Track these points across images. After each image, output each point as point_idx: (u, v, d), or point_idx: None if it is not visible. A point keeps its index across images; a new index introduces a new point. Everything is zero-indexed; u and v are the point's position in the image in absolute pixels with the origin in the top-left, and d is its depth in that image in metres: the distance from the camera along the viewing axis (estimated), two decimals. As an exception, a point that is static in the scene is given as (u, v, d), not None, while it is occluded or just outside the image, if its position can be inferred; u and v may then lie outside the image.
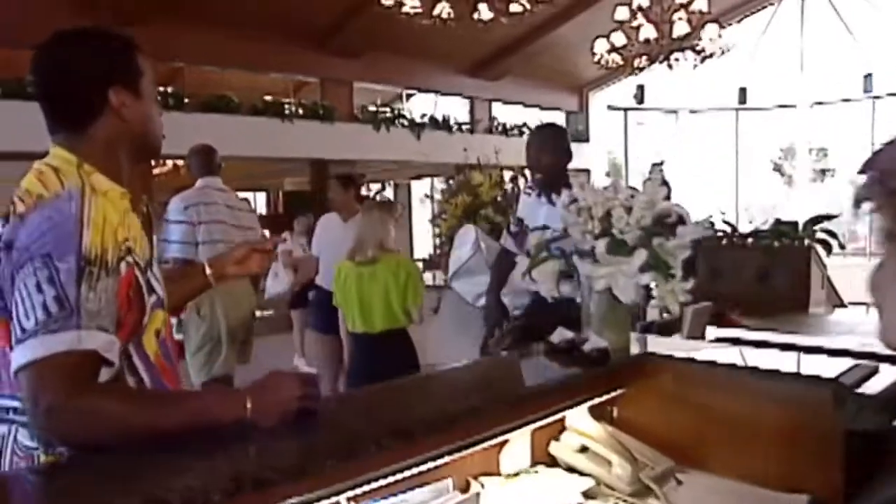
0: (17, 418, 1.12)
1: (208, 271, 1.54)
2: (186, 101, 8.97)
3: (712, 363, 1.70)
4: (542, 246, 1.77)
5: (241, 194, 15.35)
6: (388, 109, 11.58)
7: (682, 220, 1.65)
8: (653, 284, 1.54)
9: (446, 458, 1.20)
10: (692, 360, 1.71)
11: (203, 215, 3.53)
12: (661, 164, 1.54)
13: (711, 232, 4.50)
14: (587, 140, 14.77)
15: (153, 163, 9.26)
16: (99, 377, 1.08)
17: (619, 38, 7.70)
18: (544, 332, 2.19)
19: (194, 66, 9.87)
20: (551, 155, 2.59)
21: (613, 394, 1.62)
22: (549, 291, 1.82)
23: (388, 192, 14.54)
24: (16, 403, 1.12)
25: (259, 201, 17.02)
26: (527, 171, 6.14)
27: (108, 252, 1.10)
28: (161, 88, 9.04)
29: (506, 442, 1.47)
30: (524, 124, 13.52)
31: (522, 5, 6.52)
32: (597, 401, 1.58)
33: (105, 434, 1.02)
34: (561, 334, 1.71)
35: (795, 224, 4.68)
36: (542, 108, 14.15)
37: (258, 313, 4.63)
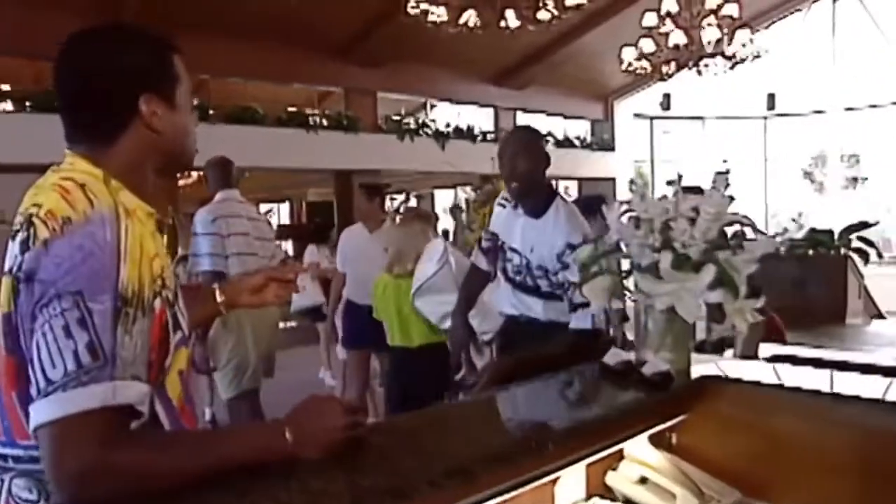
0: (14, 466, 1.00)
1: (219, 298, 1.40)
2: (211, 112, 8.98)
3: (780, 386, 1.57)
4: (594, 259, 1.66)
5: (265, 205, 15.48)
6: (412, 119, 11.50)
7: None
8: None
9: (503, 497, 1.09)
10: (758, 383, 1.59)
11: (231, 227, 3.52)
12: (727, 172, 1.43)
13: (788, 244, 4.26)
14: (612, 149, 14.60)
15: (177, 174, 9.29)
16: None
17: (647, 45, 7.57)
18: (526, 370, 2.01)
19: (219, 78, 9.90)
20: (528, 160, 2.29)
21: (674, 420, 1.51)
22: (600, 309, 1.72)
23: (412, 203, 14.48)
24: (16, 451, 1.00)
25: (282, 211, 17.12)
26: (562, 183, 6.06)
27: (146, 289, 0.97)
28: (189, 101, 9.09)
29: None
30: (549, 133, 13.40)
31: (550, 12, 6.42)
32: (658, 428, 1.46)
33: (140, 489, 0.91)
34: (616, 355, 1.59)
35: (831, 232, 4.51)
36: (567, 117, 14.03)
37: (283, 325, 4.56)
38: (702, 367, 1.68)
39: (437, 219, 7.31)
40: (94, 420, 0.89)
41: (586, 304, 2.09)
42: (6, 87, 8.35)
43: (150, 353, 1.00)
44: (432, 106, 12.97)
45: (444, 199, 15.24)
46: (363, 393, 4.55)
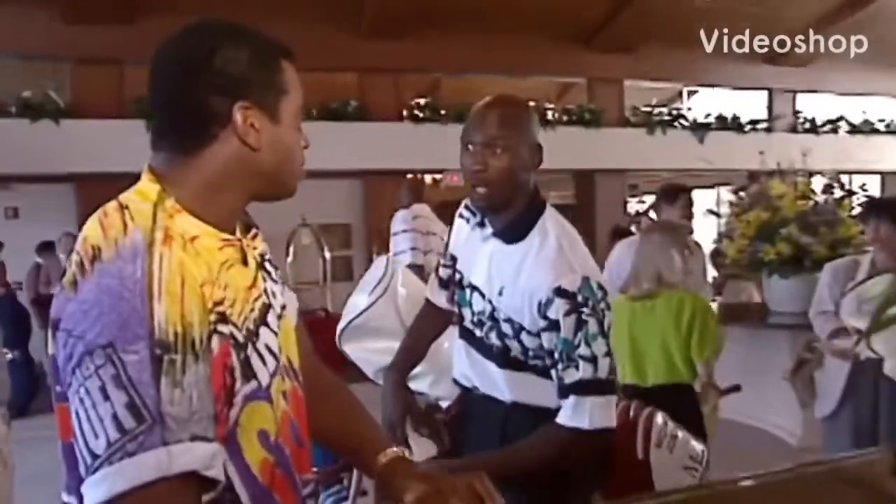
0: None
1: (381, 462, 1.16)
2: (443, 112, 9.22)
3: None
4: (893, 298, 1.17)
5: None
6: (664, 110, 10.84)
7: None
8: None
9: None
10: None
11: (429, 227, 3.87)
12: None
13: None
14: (933, 137, 12.36)
15: (409, 177, 9.75)
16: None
17: None
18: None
19: (452, 76, 10.18)
20: (511, 152, 1.55)
21: None
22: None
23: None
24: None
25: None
26: (840, 178, 5.09)
27: (195, 327, 0.86)
28: (418, 101, 9.47)
29: None
30: (840, 118, 11.74)
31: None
32: None
33: None
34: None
35: None
36: (866, 96, 12.19)
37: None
38: None
39: (690, 230, 6.63)
40: (154, 497, 0.81)
41: (588, 386, 1.47)
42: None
43: (217, 402, 0.89)
44: (690, 93, 12.09)
45: (702, 202, 14.14)
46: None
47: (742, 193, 5.47)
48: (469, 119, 1.61)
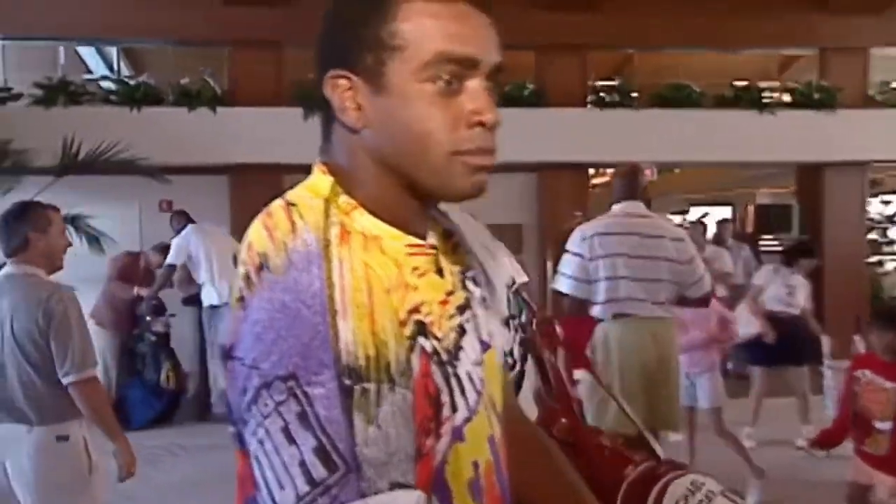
0: None
1: None
2: (634, 95, 9.00)
3: None
4: None
5: (697, 209, 14.99)
6: (926, 84, 9.90)
7: None
8: None
9: None
10: None
11: (599, 249, 3.69)
12: None
13: None
14: None
15: (591, 171, 9.54)
16: None
17: None
18: None
19: (647, 53, 9.84)
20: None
21: None
22: None
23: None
24: None
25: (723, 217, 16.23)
26: None
27: (389, 345, 0.81)
28: (606, 82, 9.26)
29: None
30: None
31: None
32: None
33: None
34: None
35: None
36: None
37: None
38: None
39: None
40: None
41: None
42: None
43: (420, 431, 0.84)
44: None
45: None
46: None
47: None
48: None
